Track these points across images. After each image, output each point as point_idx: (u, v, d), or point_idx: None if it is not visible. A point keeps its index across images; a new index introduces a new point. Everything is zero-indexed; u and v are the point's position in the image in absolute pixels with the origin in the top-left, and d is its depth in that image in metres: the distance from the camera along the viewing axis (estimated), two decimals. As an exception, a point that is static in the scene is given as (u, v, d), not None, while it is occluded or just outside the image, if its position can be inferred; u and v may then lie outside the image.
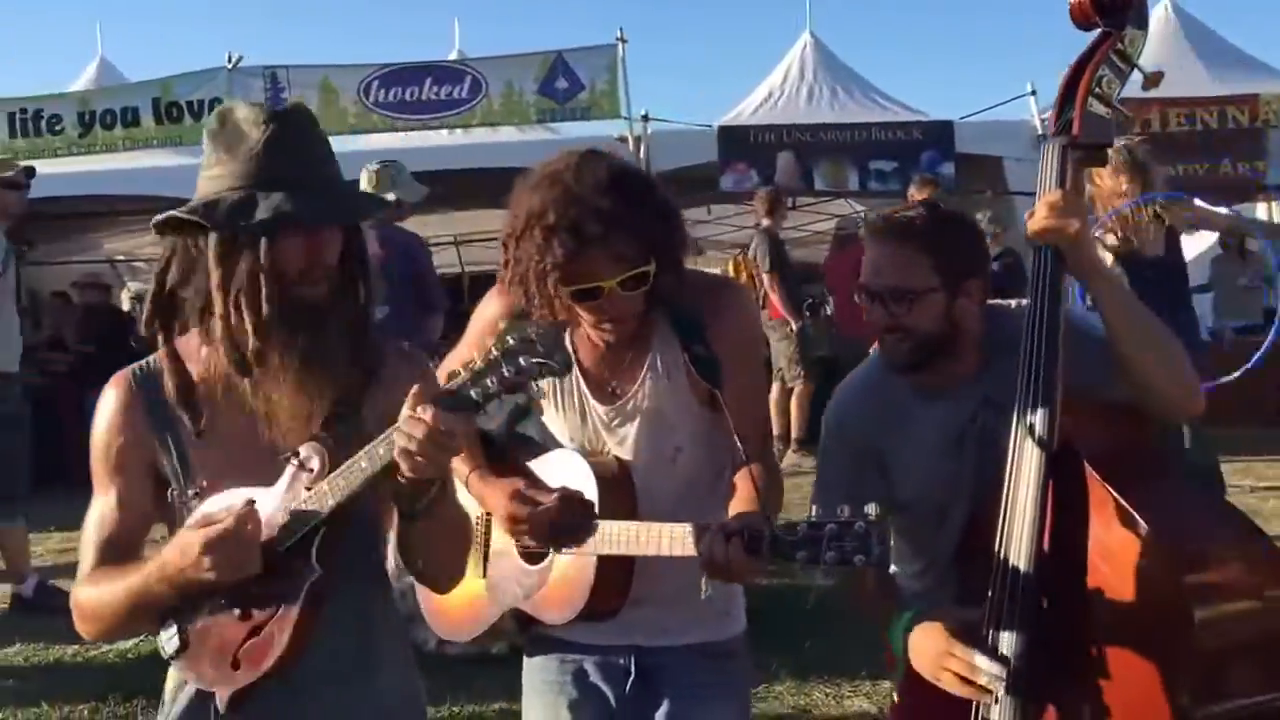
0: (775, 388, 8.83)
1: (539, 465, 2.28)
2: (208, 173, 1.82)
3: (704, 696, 2.28)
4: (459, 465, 2.24)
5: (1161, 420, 2.16)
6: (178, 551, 1.71)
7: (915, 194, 7.26)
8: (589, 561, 2.14)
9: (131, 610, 1.79)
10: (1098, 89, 2.07)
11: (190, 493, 1.83)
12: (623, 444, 2.24)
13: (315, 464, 1.77)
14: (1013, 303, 2.34)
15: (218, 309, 1.77)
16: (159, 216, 1.81)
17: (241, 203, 1.74)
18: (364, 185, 6.05)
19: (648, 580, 2.16)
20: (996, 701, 1.93)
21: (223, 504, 1.76)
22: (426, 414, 1.60)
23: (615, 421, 2.23)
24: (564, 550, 2.15)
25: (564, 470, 2.21)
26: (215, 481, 1.82)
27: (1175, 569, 1.80)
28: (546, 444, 2.32)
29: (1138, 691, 1.81)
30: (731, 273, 10.48)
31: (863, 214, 10.48)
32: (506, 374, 1.59)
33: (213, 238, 1.75)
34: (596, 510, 2.10)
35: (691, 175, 10.83)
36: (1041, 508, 1.93)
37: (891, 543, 1.80)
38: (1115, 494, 1.88)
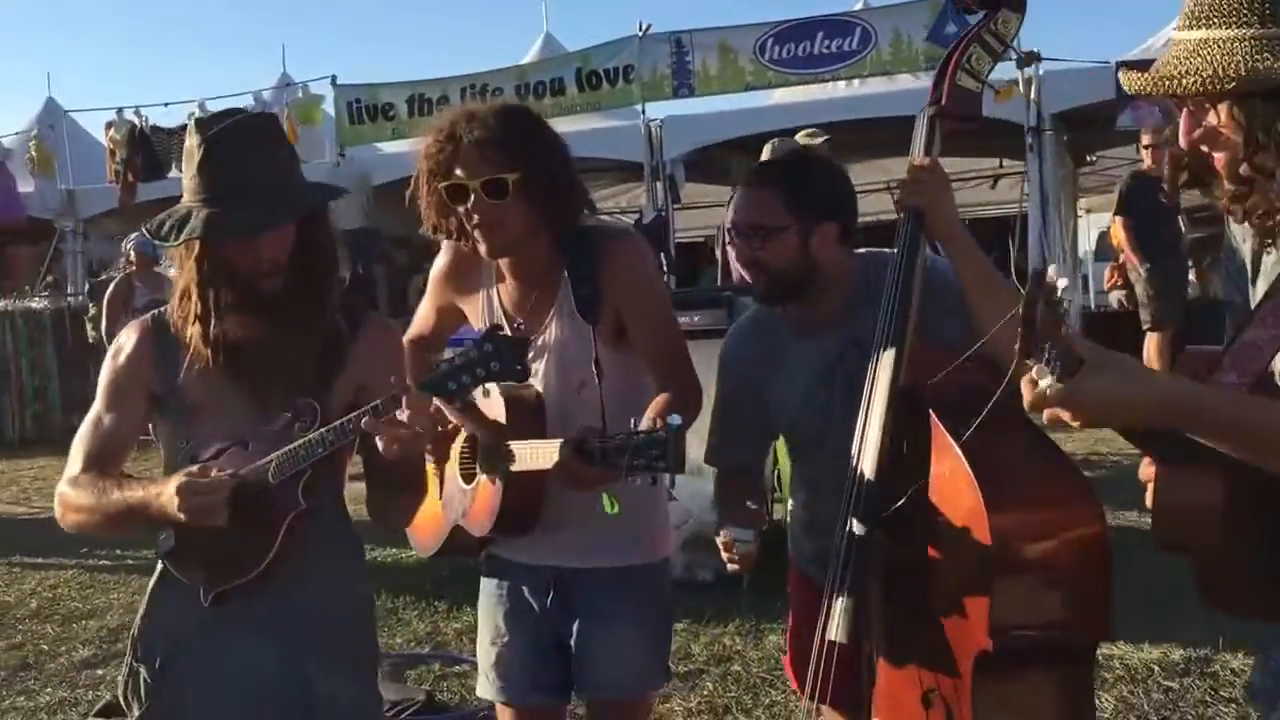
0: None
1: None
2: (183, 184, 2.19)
3: (610, 617, 2.50)
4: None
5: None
6: (166, 495, 2.04)
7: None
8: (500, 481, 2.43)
9: (128, 516, 2.14)
10: (967, 64, 2.20)
11: (183, 420, 2.22)
12: (537, 377, 2.47)
13: (308, 419, 2.13)
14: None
15: (190, 297, 2.17)
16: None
17: (180, 219, 2.12)
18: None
19: (560, 506, 2.40)
20: (836, 596, 2.12)
21: (216, 445, 2.16)
22: (404, 395, 1.98)
23: (529, 357, 2.37)
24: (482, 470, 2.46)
25: (486, 398, 2.47)
26: (202, 411, 2.21)
27: (990, 514, 1.91)
28: None
29: (958, 604, 1.99)
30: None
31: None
32: (476, 376, 1.98)
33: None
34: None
35: (1085, 113, 10.45)
36: (886, 436, 2.10)
37: (685, 452, 2.01)
38: (948, 435, 2.00)
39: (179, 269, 2.21)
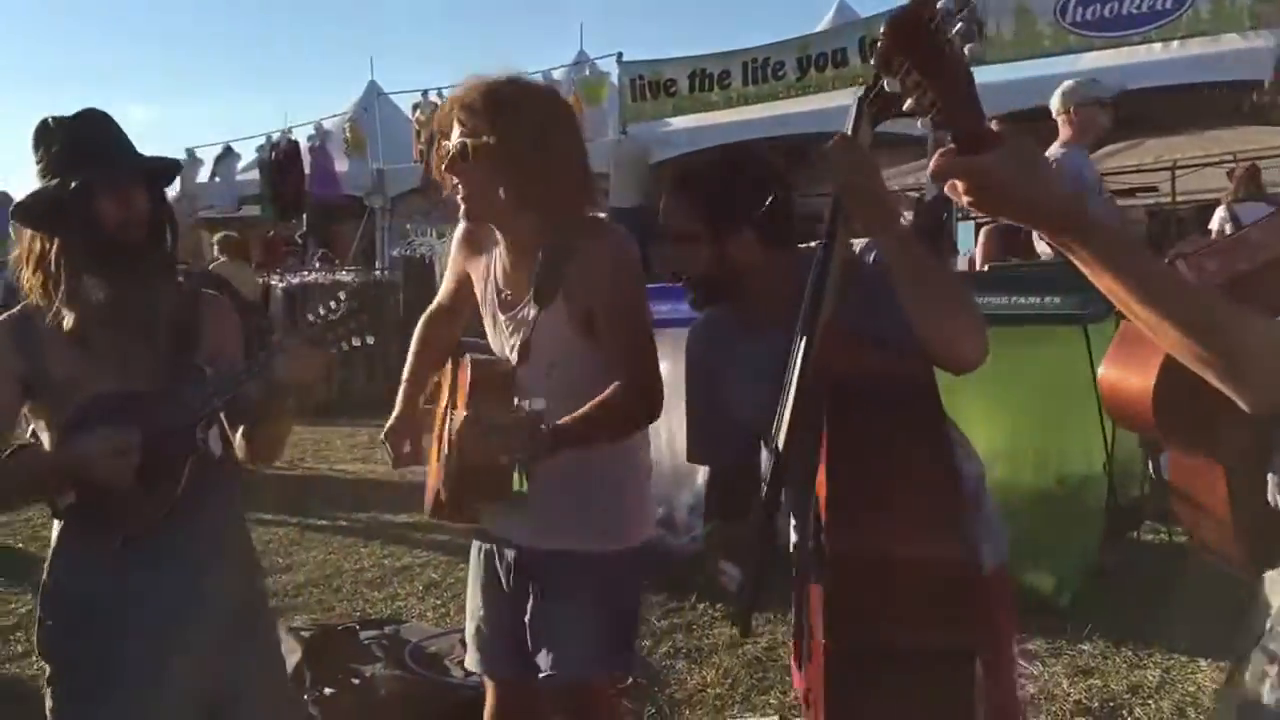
0: None
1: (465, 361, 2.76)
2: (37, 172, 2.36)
3: (561, 598, 2.57)
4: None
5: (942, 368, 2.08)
6: (79, 461, 2.22)
7: None
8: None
9: (36, 484, 2.33)
10: None
11: (60, 399, 2.31)
12: (514, 352, 2.60)
13: (209, 374, 2.32)
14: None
15: (48, 264, 2.34)
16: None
17: (53, 190, 2.29)
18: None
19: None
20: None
21: (110, 410, 2.27)
22: (297, 345, 2.26)
23: (510, 330, 2.61)
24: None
25: (464, 371, 2.66)
26: (76, 384, 2.31)
27: (830, 512, 1.91)
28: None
29: (814, 602, 1.97)
30: None
31: None
32: (338, 333, 2.28)
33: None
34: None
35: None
36: (793, 430, 2.01)
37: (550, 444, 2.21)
38: (827, 433, 1.96)
39: (28, 243, 2.36)
